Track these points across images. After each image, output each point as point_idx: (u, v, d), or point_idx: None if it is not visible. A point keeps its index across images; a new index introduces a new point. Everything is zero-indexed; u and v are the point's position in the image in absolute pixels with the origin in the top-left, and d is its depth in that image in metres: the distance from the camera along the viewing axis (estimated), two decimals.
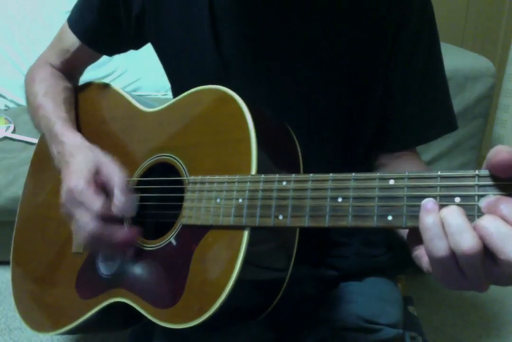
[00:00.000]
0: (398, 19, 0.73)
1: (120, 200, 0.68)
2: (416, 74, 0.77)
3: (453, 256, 0.43)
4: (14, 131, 1.63)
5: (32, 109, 0.89)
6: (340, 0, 0.73)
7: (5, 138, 1.61)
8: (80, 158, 0.74)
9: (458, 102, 1.41)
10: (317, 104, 0.78)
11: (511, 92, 1.61)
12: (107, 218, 0.68)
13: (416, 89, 0.78)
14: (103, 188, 0.71)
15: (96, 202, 0.68)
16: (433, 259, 0.45)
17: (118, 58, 1.75)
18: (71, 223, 0.72)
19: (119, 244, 0.69)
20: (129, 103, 0.85)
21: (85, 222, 0.68)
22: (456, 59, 1.46)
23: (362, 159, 0.84)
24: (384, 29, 0.73)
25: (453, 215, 0.43)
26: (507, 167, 0.41)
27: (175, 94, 0.90)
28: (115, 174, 0.71)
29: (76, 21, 0.89)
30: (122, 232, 0.68)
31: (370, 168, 0.85)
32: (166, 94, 1.89)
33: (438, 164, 1.49)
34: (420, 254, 0.49)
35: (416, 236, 0.48)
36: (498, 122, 1.65)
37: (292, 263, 0.64)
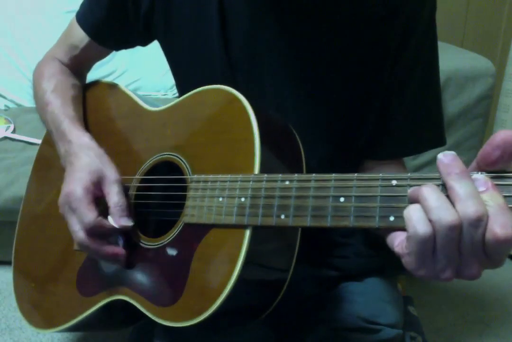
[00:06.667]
0: (405, 27, 0.73)
1: (114, 222, 0.70)
2: (413, 85, 0.77)
3: (433, 231, 0.44)
4: (14, 131, 1.63)
5: (40, 105, 0.90)
6: (347, 6, 0.73)
7: (5, 138, 1.61)
8: (84, 162, 0.75)
9: (458, 102, 1.41)
10: (319, 106, 0.78)
11: (511, 92, 1.61)
12: (98, 231, 0.70)
13: (412, 100, 0.78)
14: (100, 199, 0.72)
15: (88, 215, 0.69)
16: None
17: (119, 58, 1.77)
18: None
19: (105, 257, 0.71)
20: (135, 102, 0.86)
21: (74, 231, 0.71)
22: (456, 59, 1.46)
23: (353, 163, 0.84)
24: (391, 35, 0.73)
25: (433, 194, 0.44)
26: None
27: (180, 92, 0.90)
28: (114, 193, 0.71)
29: (84, 17, 0.89)
30: (108, 250, 0.70)
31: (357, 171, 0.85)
32: (166, 94, 1.89)
33: None
34: (394, 235, 0.49)
35: None
36: (498, 122, 1.65)
37: (293, 263, 0.64)
